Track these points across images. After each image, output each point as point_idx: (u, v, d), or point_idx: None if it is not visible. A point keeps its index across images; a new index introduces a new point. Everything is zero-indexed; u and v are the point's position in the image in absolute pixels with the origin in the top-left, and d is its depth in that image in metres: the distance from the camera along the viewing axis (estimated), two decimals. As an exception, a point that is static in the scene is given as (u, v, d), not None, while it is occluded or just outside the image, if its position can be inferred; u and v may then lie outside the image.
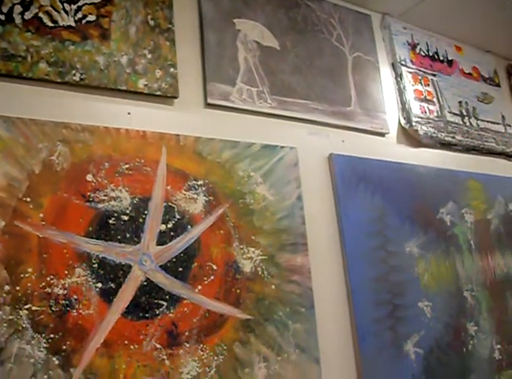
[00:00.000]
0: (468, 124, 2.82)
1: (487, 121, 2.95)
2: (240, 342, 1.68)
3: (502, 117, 3.07)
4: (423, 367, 2.12)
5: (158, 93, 1.80)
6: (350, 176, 2.11)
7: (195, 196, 1.73)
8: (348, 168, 2.12)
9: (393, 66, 2.63)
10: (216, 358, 1.63)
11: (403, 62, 2.65)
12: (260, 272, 1.78)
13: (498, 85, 3.19)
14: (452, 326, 2.28)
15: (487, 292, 2.50)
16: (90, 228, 1.53)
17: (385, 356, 2.00)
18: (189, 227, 1.69)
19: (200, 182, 1.75)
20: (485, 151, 2.87)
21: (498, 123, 3.02)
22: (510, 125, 3.10)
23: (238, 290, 1.72)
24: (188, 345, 1.59)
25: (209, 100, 1.93)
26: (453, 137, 2.67)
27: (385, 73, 2.59)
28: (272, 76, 2.12)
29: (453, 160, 2.66)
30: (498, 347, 2.47)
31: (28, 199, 1.46)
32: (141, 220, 1.62)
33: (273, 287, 1.80)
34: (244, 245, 1.78)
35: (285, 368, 1.75)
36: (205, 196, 1.75)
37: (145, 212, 1.63)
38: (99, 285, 1.51)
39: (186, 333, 1.60)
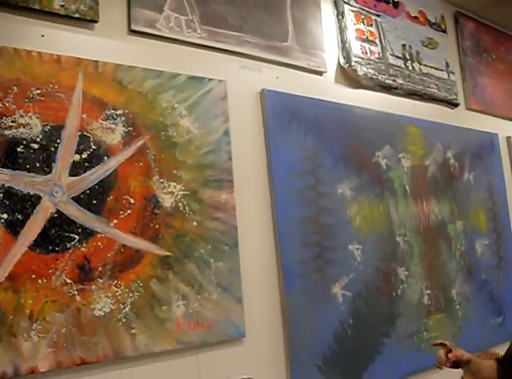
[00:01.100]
0: (410, 68, 2.81)
1: (431, 67, 2.95)
2: (158, 279, 1.66)
3: (446, 63, 3.08)
4: (350, 310, 2.15)
5: (76, 15, 1.70)
6: (282, 113, 2.08)
7: (113, 126, 1.67)
8: (280, 105, 2.08)
9: (336, 4, 2.58)
10: (131, 294, 1.60)
11: (346, 0, 2.59)
12: (181, 208, 1.75)
13: (444, 31, 3.18)
14: (382, 270, 2.31)
15: (419, 238, 2.54)
16: (-6, 155, 1.46)
17: (311, 298, 2.01)
18: (105, 158, 1.63)
19: (119, 112, 1.69)
20: (426, 97, 2.88)
21: (441, 69, 3.02)
22: (453, 73, 3.11)
23: (156, 226, 1.69)
24: (101, 281, 1.55)
25: (133, 27, 1.85)
26: (394, 80, 2.66)
27: (327, 10, 2.54)
28: (203, 5, 2.04)
29: (393, 104, 2.65)
30: (428, 292, 2.53)
31: None
32: (52, 149, 1.55)
33: (195, 223, 1.77)
34: (165, 179, 1.73)
35: (206, 307, 1.74)
36: (124, 126, 1.69)
37: (58, 141, 1.56)
38: (5, 216, 1.44)
39: (100, 268, 1.56)
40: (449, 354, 2.04)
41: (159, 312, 1.64)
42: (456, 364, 2.01)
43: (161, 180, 1.72)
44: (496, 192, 3.22)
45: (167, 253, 1.69)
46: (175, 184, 1.75)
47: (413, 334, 2.42)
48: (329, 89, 2.36)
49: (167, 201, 1.73)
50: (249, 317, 1.83)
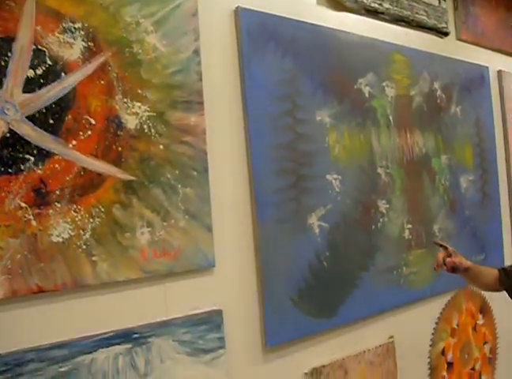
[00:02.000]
0: (398, -8, 2.68)
1: (420, -8, 2.83)
2: (121, 204, 1.58)
3: (437, -11, 2.95)
4: (327, 242, 2.10)
5: None
6: (258, 33, 1.96)
7: (71, 40, 1.55)
8: (256, 24, 1.96)
9: None
10: (91, 220, 1.52)
11: None
12: (146, 130, 1.66)
13: (436, -45, 3.03)
14: (362, 202, 2.26)
15: (402, 170, 2.48)
16: None
17: (286, 228, 1.96)
18: (63, 74, 1.52)
19: (78, 25, 1.57)
20: (414, 24, 2.77)
21: (431, -5, 2.90)
22: (444, 0, 2.98)
23: (119, 148, 1.60)
24: (59, 205, 1.47)
25: None
26: (381, 4, 2.54)
27: None
28: None
29: (379, 30, 2.54)
30: (409, 226, 2.49)
31: None
32: (2, 63, 1.43)
33: (161, 146, 1.68)
34: (129, 98, 1.63)
35: (172, 234, 1.68)
36: (83, 41, 1.57)
37: (8, 54, 1.44)
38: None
39: (57, 192, 1.48)
40: (447, 259, 2.07)
41: (122, 239, 1.57)
42: (453, 270, 2.09)
43: (125, 100, 1.63)
44: (484, 127, 3.15)
45: (131, 178, 1.61)
46: (139, 104, 1.65)
47: (392, 268, 2.40)
48: (311, 10, 2.24)
49: (131, 123, 1.63)
50: (219, 246, 1.78)
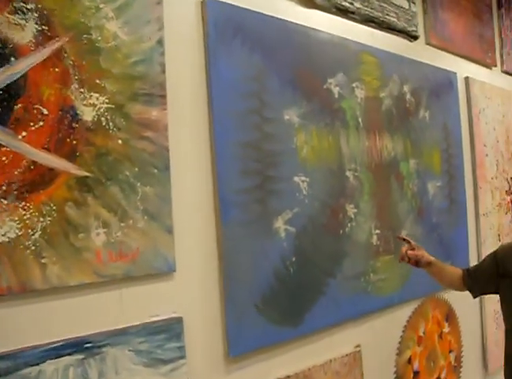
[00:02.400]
0: (369, -8, 2.63)
1: (391, -7, 2.78)
2: (74, 202, 1.47)
3: (407, -9, 2.91)
4: (294, 247, 2.02)
5: None
6: (226, 26, 1.87)
7: (23, 22, 1.43)
8: (224, 17, 1.87)
9: None
10: (42, 219, 1.40)
11: None
12: (104, 123, 1.55)
13: (406, -43, 3.00)
14: (330, 206, 2.18)
15: (371, 174, 2.42)
16: None
17: (251, 231, 1.87)
18: (12, 59, 1.40)
19: (30, 6, 1.45)
20: (385, 26, 2.72)
21: (402, -3, 2.86)
22: (414, 3, 2.95)
23: (74, 142, 1.48)
24: (5, 202, 1.35)
25: None
26: (352, 3, 2.48)
27: None
28: None
29: (349, 29, 2.48)
30: (377, 232, 2.42)
31: None
32: None
33: (120, 141, 1.57)
34: (86, 89, 1.52)
35: (130, 236, 1.57)
36: (36, 24, 1.45)
37: (-49, 35, 1.33)
38: None
39: (4, 187, 1.35)
40: (409, 251, 2.20)
41: (75, 240, 1.46)
42: (416, 263, 2.20)
43: (81, 90, 1.51)
44: (452, 133, 3.12)
45: (86, 174, 1.50)
46: (97, 95, 1.54)
47: (360, 275, 2.33)
48: (280, 6, 2.16)
49: (88, 115, 1.52)
50: (180, 250, 1.67)
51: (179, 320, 1.67)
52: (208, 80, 1.82)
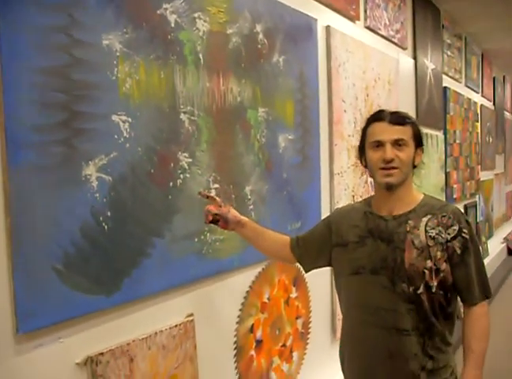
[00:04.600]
0: None
1: None
2: None
3: None
4: (109, 199, 1.71)
5: None
6: None
7: None
8: None
9: None
10: None
11: None
12: None
13: None
14: (158, 153, 1.89)
15: (211, 120, 2.15)
16: None
17: (51, 179, 1.54)
18: None
19: None
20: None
21: None
22: None
23: None
24: None
25: None
26: None
27: None
28: None
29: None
30: (216, 186, 2.17)
31: None
32: None
33: None
34: None
35: None
36: None
37: None
38: None
39: None
40: (211, 207, 1.98)
41: None
42: (225, 223, 1.99)
43: None
44: (308, 84, 2.93)
45: None
46: None
47: (194, 235, 2.07)
48: None
49: None
50: None
51: None
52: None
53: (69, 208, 1.58)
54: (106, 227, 1.69)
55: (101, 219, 1.68)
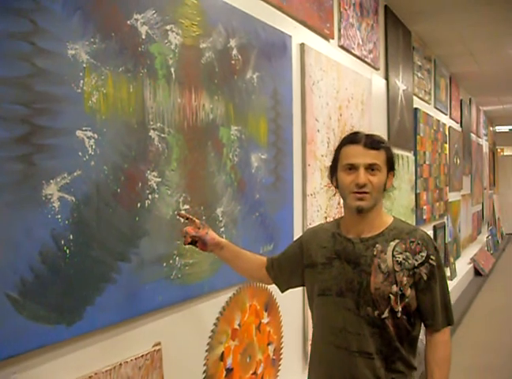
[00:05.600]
0: None
1: None
2: None
3: None
4: (72, 221, 1.59)
5: None
6: None
7: None
8: None
9: None
10: None
11: None
12: None
13: None
14: (125, 172, 1.77)
15: (182, 137, 2.04)
16: None
17: (7, 198, 1.41)
18: None
19: None
20: (212, -33, 2.35)
21: None
22: (248, -52, 2.61)
23: None
24: None
25: None
26: None
27: None
28: None
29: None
30: (186, 207, 2.06)
31: None
32: None
33: None
34: None
35: None
36: None
37: None
38: None
39: None
40: (189, 229, 1.93)
41: None
42: (203, 245, 1.94)
43: None
44: (282, 101, 2.85)
45: None
46: None
47: (162, 259, 1.95)
48: None
49: None
50: None
51: None
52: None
53: (28, 230, 1.45)
54: (67, 251, 1.57)
55: (62, 242, 1.55)
